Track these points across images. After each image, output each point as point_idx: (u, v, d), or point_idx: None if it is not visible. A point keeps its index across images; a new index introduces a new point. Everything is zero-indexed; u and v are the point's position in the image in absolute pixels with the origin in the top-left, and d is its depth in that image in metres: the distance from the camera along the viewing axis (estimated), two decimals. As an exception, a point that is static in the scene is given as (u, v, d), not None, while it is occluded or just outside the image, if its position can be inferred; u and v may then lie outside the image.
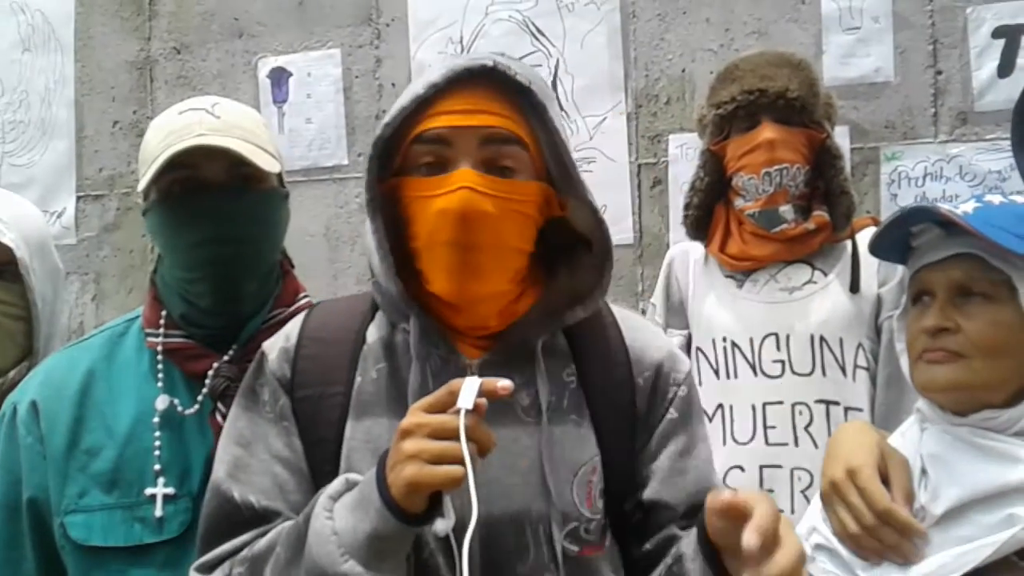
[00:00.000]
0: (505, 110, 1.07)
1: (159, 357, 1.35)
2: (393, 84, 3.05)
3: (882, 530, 1.14)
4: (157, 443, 1.31)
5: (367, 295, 1.20)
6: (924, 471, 1.18)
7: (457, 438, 0.91)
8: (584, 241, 1.15)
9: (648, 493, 1.15)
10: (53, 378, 1.36)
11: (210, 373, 1.32)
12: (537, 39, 2.94)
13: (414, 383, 1.07)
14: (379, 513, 0.95)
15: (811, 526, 1.24)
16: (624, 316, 1.21)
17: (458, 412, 0.92)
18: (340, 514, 0.98)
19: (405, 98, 1.08)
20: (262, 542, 1.06)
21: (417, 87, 1.07)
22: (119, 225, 3.27)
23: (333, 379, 1.12)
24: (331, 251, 3.04)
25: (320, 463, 1.10)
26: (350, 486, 1.02)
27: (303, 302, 1.43)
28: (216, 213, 1.30)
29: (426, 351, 1.09)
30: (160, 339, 1.35)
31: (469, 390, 0.93)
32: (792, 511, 1.90)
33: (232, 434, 1.14)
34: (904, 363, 1.25)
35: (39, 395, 1.34)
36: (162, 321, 1.36)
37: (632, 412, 1.15)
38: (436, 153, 1.07)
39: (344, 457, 1.09)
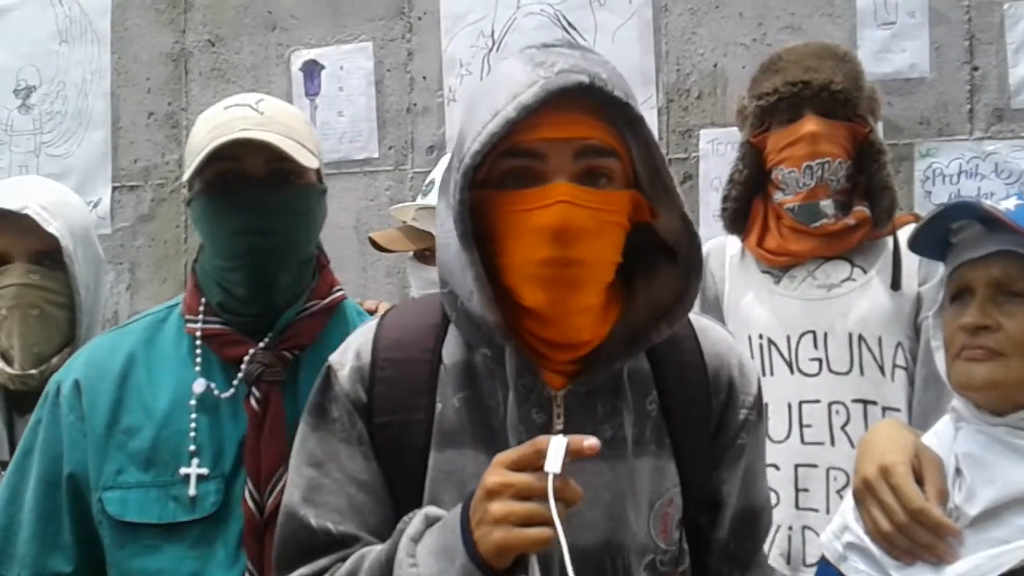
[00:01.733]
0: (598, 122, 1.03)
1: (197, 342, 1.39)
2: (424, 77, 3.06)
3: (915, 529, 1.14)
4: (193, 425, 1.35)
5: (434, 303, 1.15)
6: (959, 471, 1.17)
7: (545, 498, 0.90)
8: (665, 248, 1.11)
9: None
10: (96, 359, 1.41)
11: (246, 359, 1.36)
12: (568, 33, 2.94)
13: (513, 417, 1.04)
14: (465, 568, 0.94)
15: (843, 524, 1.24)
16: (703, 328, 1.18)
17: (545, 473, 0.91)
18: (424, 560, 0.97)
19: (493, 121, 1.00)
20: (343, 569, 1.05)
21: (507, 108, 0.99)
22: (154, 215, 3.31)
23: (413, 405, 1.09)
24: (361, 244, 3.05)
25: (402, 492, 1.08)
26: (430, 522, 1.01)
27: (337, 295, 1.47)
28: (254, 205, 1.35)
29: (512, 380, 1.06)
30: (199, 325, 1.39)
31: (556, 451, 0.92)
32: (827, 511, 1.88)
33: (303, 455, 1.12)
34: (940, 360, 1.23)
35: (82, 375, 1.39)
36: (201, 308, 1.41)
37: (708, 432, 1.14)
38: (528, 166, 1.02)
39: (428, 488, 1.07)
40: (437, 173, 2.40)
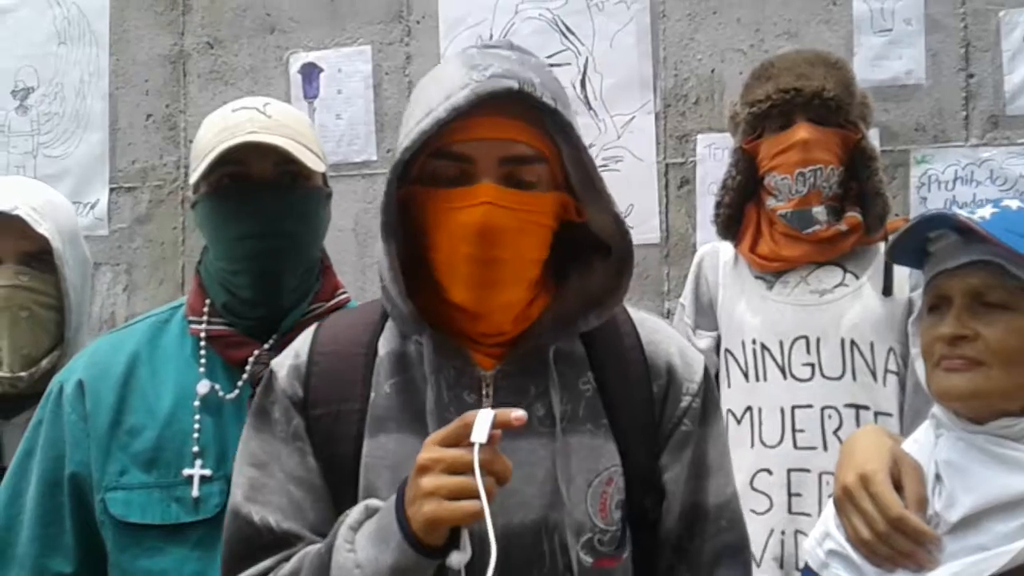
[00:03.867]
0: (528, 128, 1.07)
1: (202, 343, 1.39)
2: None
3: (895, 537, 1.14)
4: (196, 426, 1.35)
5: (375, 304, 1.19)
6: (938, 478, 1.17)
7: (473, 473, 0.92)
8: (600, 246, 1.15)
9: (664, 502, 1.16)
10: (99, 360, 1.41)
11: (250, 360, 1.37)
12: (566, 37, 2.95)
13: (431, 400, 1.07)
14: (400, 547, 0.96)
15: (825, 532, 1.24)
16: (642, 319, 1.21)
17: (472, 446, 0.93)
18: (362, 545, 0.99)
19: (425, 120, 1.04)
20: (285, 569, 1.06)
21: (438, 109, 1.03)
22: (151, 217, 3.31)
23: (348, 395, 1.11)
24: (360, 246, 3.06)
25: (338, 481, 1.10)
26: (370, 513, 1.03)
27: (341, 297, 1.47)
28: (261, 209, 1.35)
29: (440, 364, 1.09)
30: (203, 327, 1.40)
31: (483, 423, 0.94)
32: (820, 515, 1.89)
33: (245, 456, 1.14)
34: (919, 368, 1.24)
35: (85, 375, 1.39)
36: (206, 309, 1.41)
37: (650, 418, 1.16)
38: (457, 167, 1.06)
39: (362, 475, 1.08)
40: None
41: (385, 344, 1.14)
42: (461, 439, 0.95)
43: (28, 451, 1.41)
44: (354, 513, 1.03)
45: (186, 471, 1.34)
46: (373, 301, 1.21)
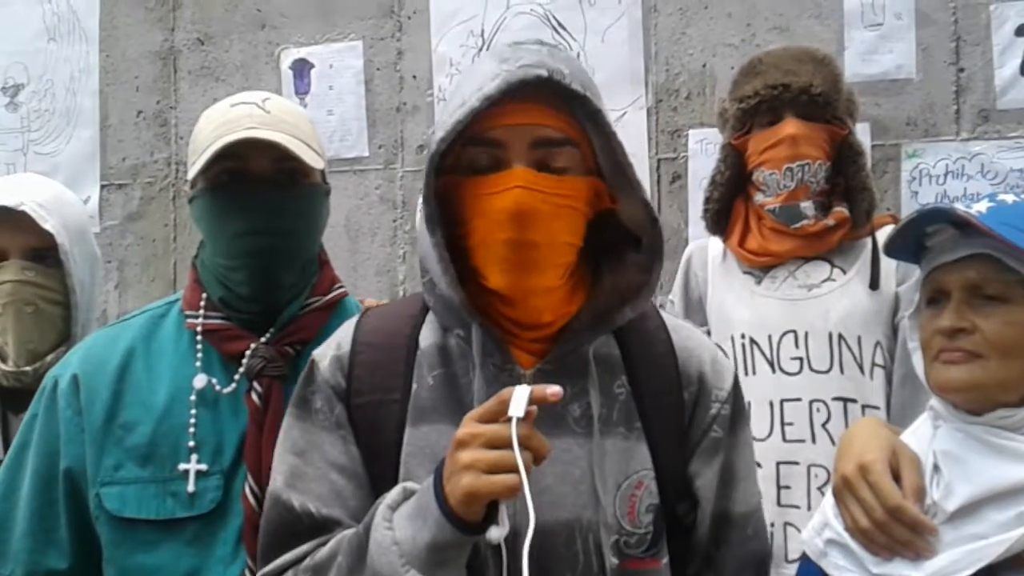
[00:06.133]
0: (558, 114, 1.09)
1: (198, 338, 1.39)
2: (414, 76, 3.06)
3: (893, 526, 1.15)
4: (192, 420, 1.35)
5: (416, 297, 1.21)
6: (936, 468, 1.18)
7: (511, 447, 0.94)
8: (632, 239, 1.16)
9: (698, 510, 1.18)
10: (94, 354, 1.41)
11: (247, 354, 1.36)
12: (558, 32, 2.94)
13: (479, 390, 1.09)
14: (438, 523, 0.97)
15: (824, 521, 1.25)
16: (675, 326, 1.22)
17: (510, 421, 0.94)
18: (400, 524, 1.00)
19: (459, 111, 1.07)
20: (324, 551, 1.08)
21: (471, 99, 1.06)
22: (142, 214, 3.30)
23: (390, 386, 1.13)
24: (351, 242, 3.06)
25: (380, 470, 1.11)
26: (408, 495, 1.04)
27: (338, 292, 1.47)
28: (260, 205, 1.35)
29: (481, 359, 1.11)
30: (200, 321, 1.39)
31: (520, 399, 0.95)
32: (808, 507, 1.91)
33: (287, 444, 1.16)
34: (917, 362, 1.25)
35: (80, 369, 1.39)
36: (202, 303, 1.40)
37: (681, 424, 1.17)
38: (490, 154, 1.09)
39: (403, 464, 1.10)
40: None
41: (427, 336, 1.16)
42: (499, 415, 0.97)
43: (23, 445, 1.40)
44: (392, 494, 1.05)
45: (182, 466, 1.33)
46: (414, 295, 1.23)
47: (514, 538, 0.98)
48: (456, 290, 1.10)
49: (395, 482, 1.08)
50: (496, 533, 0.97)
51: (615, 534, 1.10)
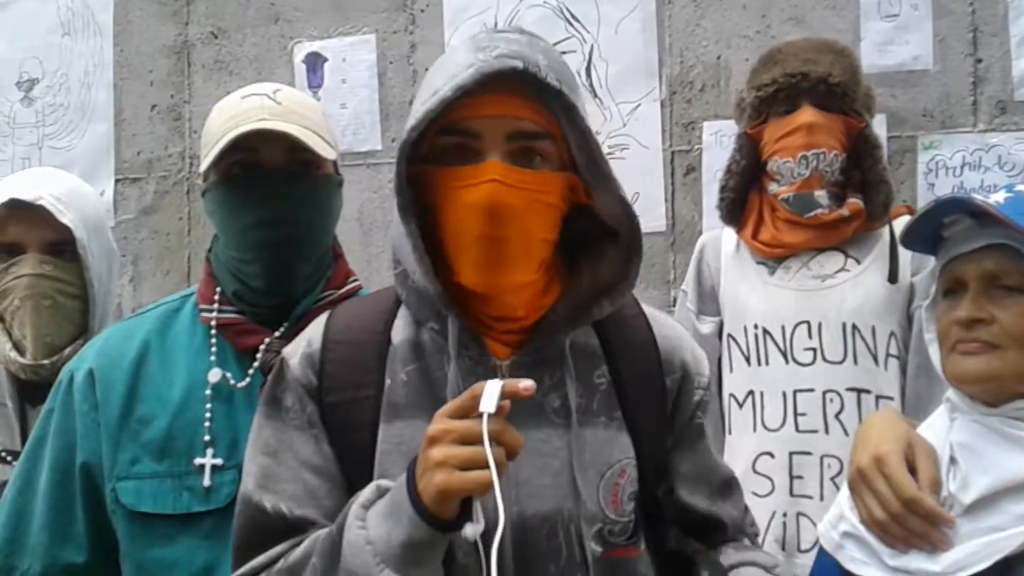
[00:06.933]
0: (534, 106, 1.07)
1: (212, 332, 1.39)
2: (427, 70, 3.05)
3: (909, 518, 1.15)
4: (208, 414, 1.35)
5: (387, 292, 1.19)
6: (953, 460, 1.18)
7: (483, 442, 0.92)
8: (610, 232, 1.15)
9: (676, 494, 1.18)
10: (110, 348, 1.41)
11: (262, 348, 1.36)
12: (571, 25, 2.93)
13: (454, 384, 1.07)
14: (411, 520, 0.96)
15: (839, 514, 1.25)
16: (653, 315, 1.22)
17: (482, 416, 0.93)
18: (373, 522, 0.99)
19: (431, 99, 1.05)
20: (298, 552, 1.06)
21: (444, 88, 1.04)
22: (156, 208, 3.31)
23: (362, 382, 1.11)
24: (365, 236, 3.06)
25: (354, 467, 1.10)
26: (381, 493, 1.02)
27: (353, 285, 1.47)
28: (273, 197, 1.34)
29: (457, 351, 1.09)
30: (214, 315, 1.39)
31: (491, 393, 0.94)
32: (821, 498, 1.91)
33: (258, 444, 1.14)
34: (934, 353, 1.25)
35: (96, 364, 1.39)
36: (216, 297, 1.40)
37: (663, 411, 1.17)
38: (465, 144, 1.07)
39: (378, 461, 1.08)
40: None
41: (399, 331, 1.14)
42: (470, 411, 0.95)
43: (39, 439, 1.41)
44: (365, 492, 1.03)
45: (197, 460, 1.34)
46: (385, 289, 1.20)
47: (491, 535, 0.97)
48: (432, 281, 1.08)
49: (369, 480, 1.06)
50: (471, 530, 0.96)
51: (599, 523, 1.09)
